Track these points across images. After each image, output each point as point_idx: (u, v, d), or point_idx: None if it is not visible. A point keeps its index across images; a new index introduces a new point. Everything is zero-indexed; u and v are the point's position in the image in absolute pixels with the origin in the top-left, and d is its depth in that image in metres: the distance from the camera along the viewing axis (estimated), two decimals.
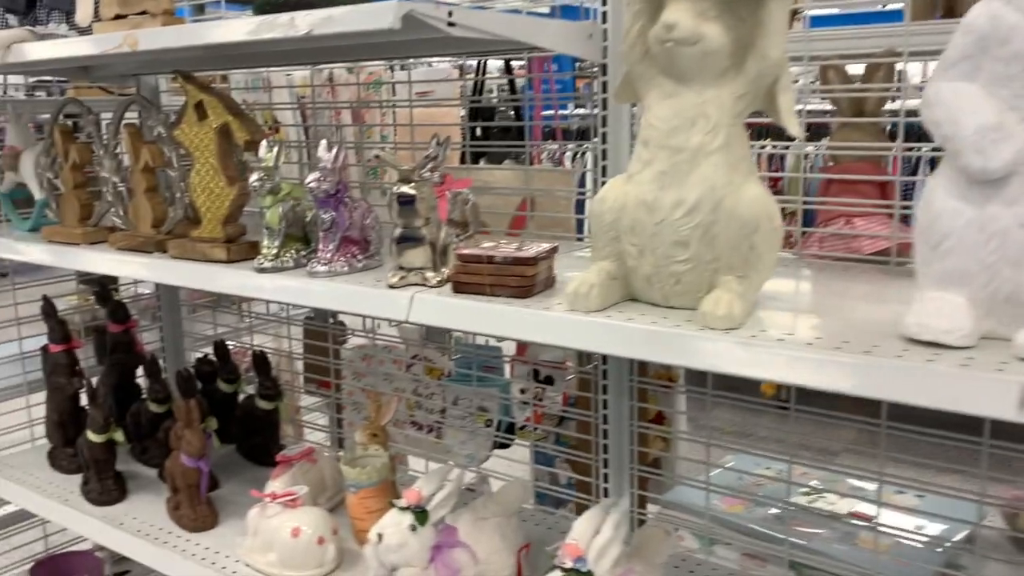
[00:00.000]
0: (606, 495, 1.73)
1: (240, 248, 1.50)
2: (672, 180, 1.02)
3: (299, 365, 2.71)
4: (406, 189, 1.21)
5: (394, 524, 1.37)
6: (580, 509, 1.90)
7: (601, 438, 1.71)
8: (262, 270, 1.40)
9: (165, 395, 2.06)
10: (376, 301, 1.25)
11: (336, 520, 1.65)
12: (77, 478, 2.01)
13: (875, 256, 1.36)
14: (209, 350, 2.30)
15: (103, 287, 2.24)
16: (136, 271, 1.60)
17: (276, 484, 1.74)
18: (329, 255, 1.36)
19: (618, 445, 1.70)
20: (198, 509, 1.78)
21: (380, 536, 1.37)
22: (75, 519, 1.86)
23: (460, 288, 1.20)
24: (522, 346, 2.36)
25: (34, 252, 1.80)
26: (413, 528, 1.37)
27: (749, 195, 1.00)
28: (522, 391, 2.19)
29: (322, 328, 2.47)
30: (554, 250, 1.23)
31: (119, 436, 1.91)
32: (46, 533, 2.40)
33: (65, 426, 2.07)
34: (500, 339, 2.05)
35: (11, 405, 2.27)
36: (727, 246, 1.01)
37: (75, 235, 1.75)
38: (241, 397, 2.21)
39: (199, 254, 1.51)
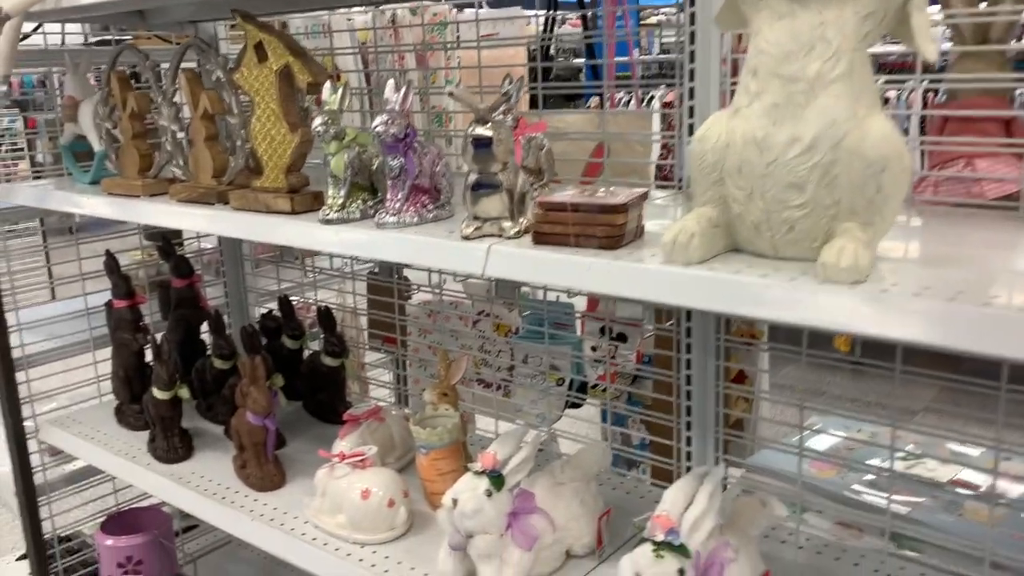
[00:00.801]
0: (688, 459, 1.63)
1: (304, 199, 1.43)
2: (786, 114, 0.90)
3: (363, 321, 2.66)
4: (482, 131, 1.11)
5: (469, 489, 1.30)
6: (656, 472, 1.81)
7: (684, 399, 1.61)
8: (327, 221, 1.32)
9: (230, 351, 2.03)
10: (450, 254, 1.16)
11: (406, 481, 1.58)
12: (144, 435, 1.99)
13: (1001, 201, 1.22)
14: (273, 305, 2.26)
15: (166, 241, 2.19)
16: (197, 224, 1.54)
17: (344, 444, 1.69)
18: (398, 205, 1.27)
19: (702, 407, 1.60)
20: (265, 468, 1.74)
21: (455, 501, 1.30)
22: (142, 477, 1.84)
23: (541, 239, 1.10)
24: (593, 302, 2.26)
25: (94, 205, 1.76)
26: (489, 493, 1.29)
27: (875, 131, 0.88)
28: (593, 348, 2.09)
29: (386, 283, 2.41)
30: (644, 197, 1.12)
31: (184, 393, 1.87)
32: (116, 488, 2.40)
33: (131, 382, 2.05)
34: (574, 294, 1.95)
35: (77, 361, 2.26)
36: (849, 189, 0.89)
37: (135, 187, 1.69)
38: (306, 354, 2.17)
39: (261, 205, 1.44)
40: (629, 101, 3.58)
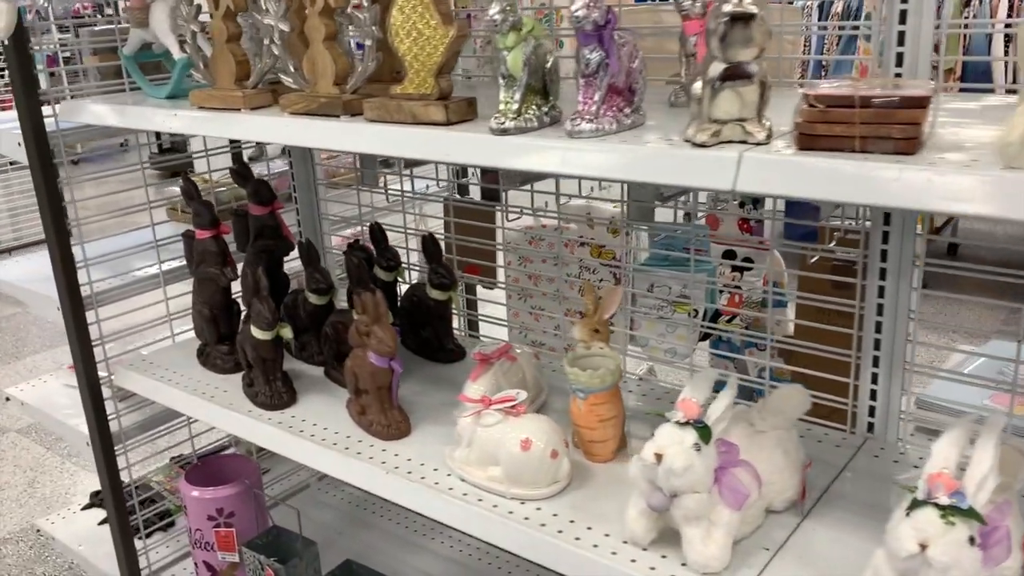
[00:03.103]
0: (872, 399, 1.46)
1: (459, 106, 1.21)
2: None
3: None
4: (745, 4, 0.88)
5: (676, 442, 1.12)
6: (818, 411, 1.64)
7: (872, 332, 1.43)
8: (502, 131, 1.10)
9: (327, 285, 1.83)
10: (686, 166, 0.95)
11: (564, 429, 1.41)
12: (235, 378, 1.81)
13: None
14: (348, 233, 2.06)
15: (242, 164, 1.97)
16: (325, 139, 1.32)
17: (477, 387, 1.51)
18: (594, 108, 1.06)
19: (892, 341, 1.42)
20: (390, 415, 1.56)
21: (659, 457, 1.12)
22: (249, 427, 1.66)
23: (810, 143, 0.89)
24: (714, 222, 2.06)
25: (183, 122, 1.53)
26: (697, 447, 1.12)
27: None
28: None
29: (477, 206, 2.20)
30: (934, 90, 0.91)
31: (287, 332, 1.68)
32: (192, 434, 2.23)
33: (217, 321, 1.86)
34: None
35: (143, 299, 2.05)
36: None
37: (233, 99, 1.46)
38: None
39: (406, 115, 1.22)
40: None
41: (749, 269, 2.00)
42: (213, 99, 1.50)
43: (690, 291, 1.84)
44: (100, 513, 2.46)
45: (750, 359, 1.98)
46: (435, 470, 1.44)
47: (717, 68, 0.93)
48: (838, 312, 1.50)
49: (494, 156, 1.11)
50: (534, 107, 1.13)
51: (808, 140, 0.89)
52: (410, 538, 2.23)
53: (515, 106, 1.11)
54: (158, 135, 6.25)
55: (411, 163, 2.29)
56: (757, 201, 2.13)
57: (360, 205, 2.23)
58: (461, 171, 2.66)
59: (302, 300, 1.87)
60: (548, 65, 1.15)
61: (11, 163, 5.97)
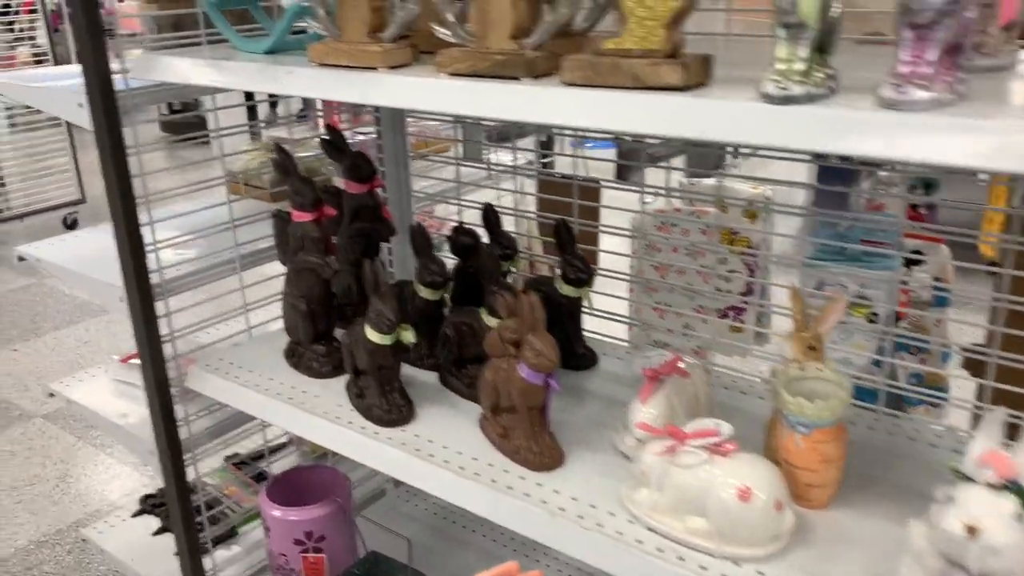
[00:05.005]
0: None
1: (697, 65, 0.93)
2: None
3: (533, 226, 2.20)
4: None
5: (994, 513, 0.86)
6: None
7: None
8: (787, 99, 0.83)
9: (443, 278, 1.56)
10: None
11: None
12: (334, 384, 1.55)
13: None
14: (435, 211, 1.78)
15: (337, 135, 1.69)
16: (502, 107, 1.03)
17: (649, 410, 1.26)
18: (930, 70, 0.78)
19: None
20: (540, 440, 1.30)
21: (972, 530, 0.86)
22: (363, 446, 1.40)
23: None
24: (876, 207, 1.79)
25: (301, 83, 1.25)
26: (1020, 518, 0.86)
27: None
28: None
29: (593, 185, 1.92)
30: None
31: (409, 335, 1.41)
32: (266, 440, 1.98)
33: (315, 317, 1.59)
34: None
35: (213, 289, 1.78)
36: None
37: (368, 54, 1.18)
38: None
39: (625, 77, 0.95)
40: None
41: (918, 263, 1.74)
42: (339, 54, 1.22)
43: (870, 291, 1.57)
44: (151, 520, 2.22)
45: (900, 363, 1.73)
46: (611, 515, 1.18)
47: None
48: None
49: (778, 133, 0.83)
50: (815, 68, 0.86)
51: None
52: (509, 558, 1.97)
53: (801, 65, 0.84)
54: None
55: (510, 135, 2.02)
56: (929, 184, 1.86)
57: (459, 182, 1.95)
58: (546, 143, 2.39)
59: (410, 294, 1.60)
60: (835, 9, 0.87)
61: (11, 126, 5.65)
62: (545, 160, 2.28)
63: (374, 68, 1.18)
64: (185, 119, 6.75)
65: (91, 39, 1.42)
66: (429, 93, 1.11)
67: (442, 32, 1.13)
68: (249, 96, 4.48)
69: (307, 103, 4.34)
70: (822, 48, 0.88)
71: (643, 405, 1.27)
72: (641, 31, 0.95)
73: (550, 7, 1.04)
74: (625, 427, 1.31)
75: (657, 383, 1.29)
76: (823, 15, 0.84)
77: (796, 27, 0.83)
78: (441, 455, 1.34)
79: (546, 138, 2.40)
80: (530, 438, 1.30)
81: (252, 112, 5.93)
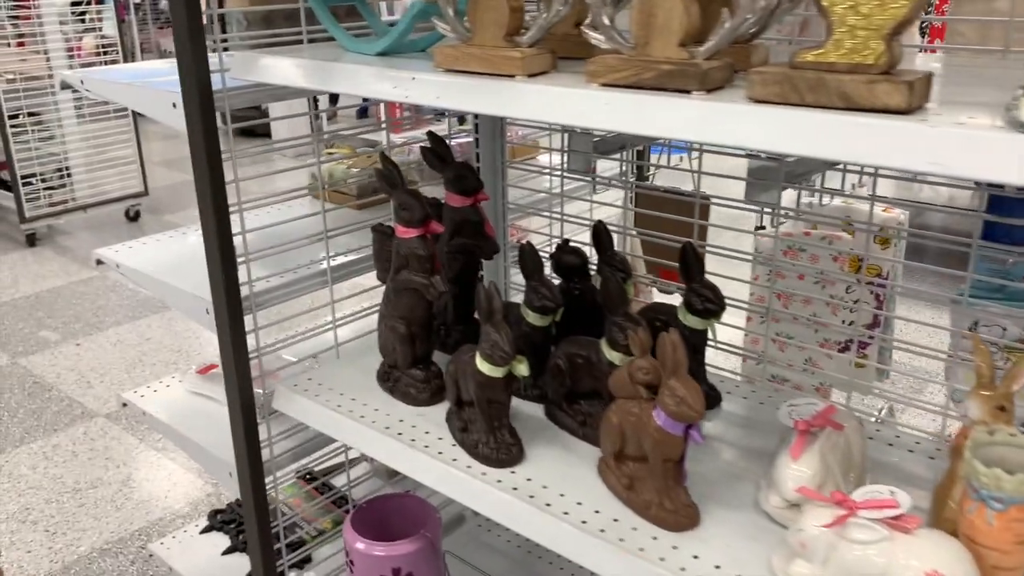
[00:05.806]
0: None
1: (920, 85, 0.79)
2: None
3: (636, 246, 2.06)
4: None
5: None
6: None
7: None
8: None
9: (554, 303, 1.43)
10: None
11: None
12: (432, 413, 1.44)
13: None
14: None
15: (440, 143, 1.57)
16: (671, 126, 0.90)
17: (802, 468, 1.12)
18: None
19: None
20: (675, 496, 1.16)
21: None
22: (469, 489, 1.28)
23: None
24: None
25: (425, 90, 1.13)
26: None
27: None
28: None
29: (688, 199, 1.76)
30: None
31: (523, 368, 1.28)
32: (348, 461, 1.87)
33: (415, 340, 1.47)
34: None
35: (295, 304, 1.67)
36: None
37: (507, 61, 1.06)
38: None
39: (831, 96, 0.81)
40: None
41: None
42: (471, 59, 1.09)
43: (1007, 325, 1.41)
44: (221, 538, 2.13)
45: None
46: None
47: None
48: None
49: None
50: None
51: None
52: None
53: None
54: None
55: (626, 145, 1.88)
56: None
57: (563, 195, 1.82)
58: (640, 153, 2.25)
59: (515, 318, 1.47)
60: None
61: (78, 116, 5.64)
62: (641, 170, 2.14)
63: (511, 76, 1.05)
64: (246, 116, 6.73)
65: (190, 36, 1.32)
66: (580, 106, 0.97)
67: (594, 37, 0.99)
68: None
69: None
70: None
71: (794, 463, 1.13)
72: (851, 42, 0.81)
73: (728, 11, 0.91)
74: (769, 485, 1.17)
75: (809, 437, 1.15)
76: None
77: None
78: (558, 504, 1.21)
79: (642, 146, 2.26)
80: (662, 493, 1.16)
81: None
